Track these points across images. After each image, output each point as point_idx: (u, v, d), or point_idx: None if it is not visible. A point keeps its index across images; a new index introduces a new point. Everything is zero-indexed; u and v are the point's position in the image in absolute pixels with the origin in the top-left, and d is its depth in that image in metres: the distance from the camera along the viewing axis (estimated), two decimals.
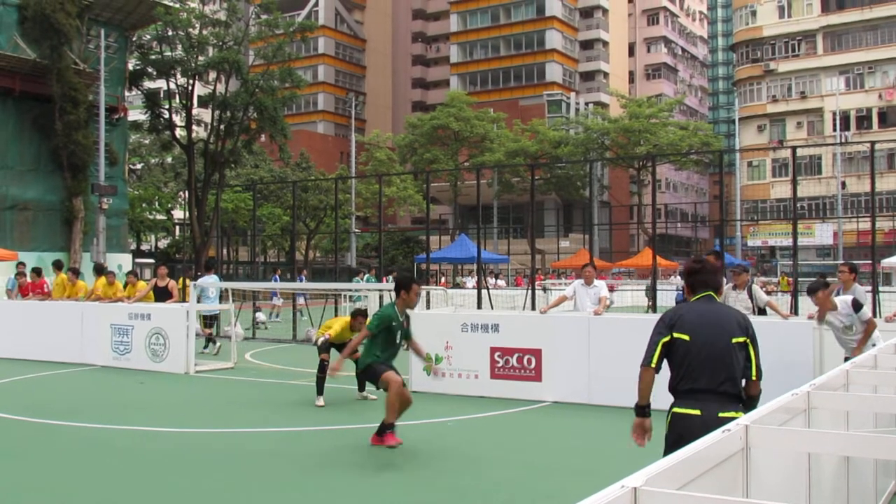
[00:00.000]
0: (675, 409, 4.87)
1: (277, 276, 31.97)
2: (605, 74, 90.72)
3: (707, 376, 4.79)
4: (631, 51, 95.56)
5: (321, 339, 11.73)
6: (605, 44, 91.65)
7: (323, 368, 11.44)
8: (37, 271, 19.94)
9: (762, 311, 11.90)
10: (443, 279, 46.54)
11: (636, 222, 65.38)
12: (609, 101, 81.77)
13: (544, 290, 27.51)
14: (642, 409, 5.00)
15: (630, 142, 63.12)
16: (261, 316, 26.12)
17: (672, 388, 4.94)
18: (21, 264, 21.06)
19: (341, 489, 7.10)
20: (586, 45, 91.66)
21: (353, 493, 6.99)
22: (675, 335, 4.91)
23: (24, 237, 33.78)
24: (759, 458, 3.57)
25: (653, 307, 22.83)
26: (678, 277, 42.01)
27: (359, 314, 11.63)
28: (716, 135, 73.01)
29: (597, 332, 11.48)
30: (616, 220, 61.83)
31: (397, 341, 8.74)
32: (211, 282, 18.07)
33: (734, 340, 4.84)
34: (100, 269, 18.76)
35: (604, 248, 57.25)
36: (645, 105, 64.01)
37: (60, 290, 18.57)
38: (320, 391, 11.48)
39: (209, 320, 18.71)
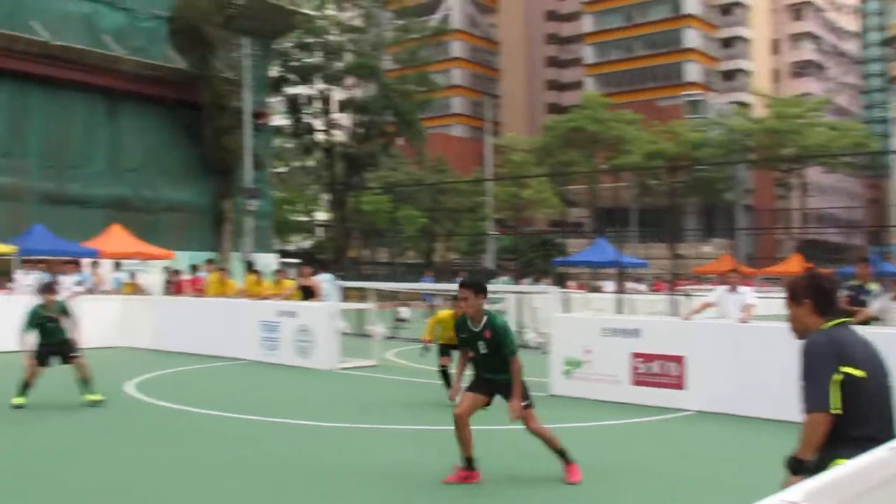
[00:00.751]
0: (842, 460, 3.56)
1: (428, 278, 32.40)
2: (748, 73, 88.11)
3: (877, 420, 3.92)
4: (775, 48, 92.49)
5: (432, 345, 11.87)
6: (747, 41, 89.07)
7: (446, 372, 11.58)
8: (193, 268, 20.90)
9: None
10: (580, 283, 46.18)
11: (783, 227, 63.19)
12: (752, 101, 79.38)
13: (686, 295, 26.96)
14: (801, 465, 3.88)
15: (775, 143, 61.08)
16: (404, 313, 26.62)
17: (835, 433, 3.88)
18: (175, 271, 22.07)
19: (479, 493, 7.16)
20: (727, 42, 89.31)
21: (491, 496, 7.04)
22: (846, 370, 3.87)
23: (178, 237, 35.39)
24: None
25: None
26: None
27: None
28: (870, 135, 69.71)
29: (743, 339, 11.18)
30: (760, 225, 60.00)
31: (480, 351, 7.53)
32: (325, 278, 18.62)
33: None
34: (250, 267, 19.51)
35: (748, 254, 55.64)
36: (792, 104, 61.82)
37: (213, 287, 19.39)
38: (449, 384, 11.51)
39: None
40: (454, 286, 15.53)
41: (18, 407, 10.81)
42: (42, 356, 11.10)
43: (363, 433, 9.73)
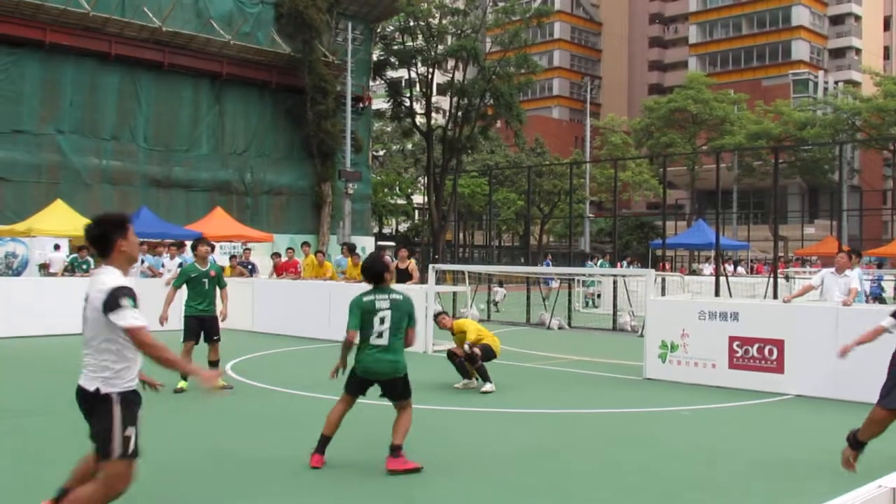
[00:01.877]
0: None
1: (549, 261, 32.37)
2: (858, 51, 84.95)
3: None
4: (886, 25, 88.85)
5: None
6: (858, 18, 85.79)
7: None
8: (291, 250, 21.32)
9: None
10: (680, 266, 45.47)
11: (890, 208, 60.90)
12: (861, 80, 76.54)
13: (787, 278, 26.27)
14: (860, 445, 4.08)
15: (885, 122, 58.81)
16: (498, 295, 26.73)
17: None
18: (304, 244, 22.55)
19: (567, 472, 7.17)
20: (836, 20, 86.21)
21: (583, 475, 7.04)
22: None
23: (278, 220, 36.21)
24: None
25: None
26: None
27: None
28: None
29: (846, 323, 10.84)
30: (868, 206, 57.99)
31: None
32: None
33: None
34: (352, 249, 19.79)
35: (853, 236, 53.85)
36: None
37: (310, 270, 19.76)
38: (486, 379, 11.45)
39: None
40: (564, 270, 15.34)
41: (180, 391, 10.53)
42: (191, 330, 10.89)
43: (477, 415, 9.81)
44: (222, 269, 11.62)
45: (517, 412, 9.89)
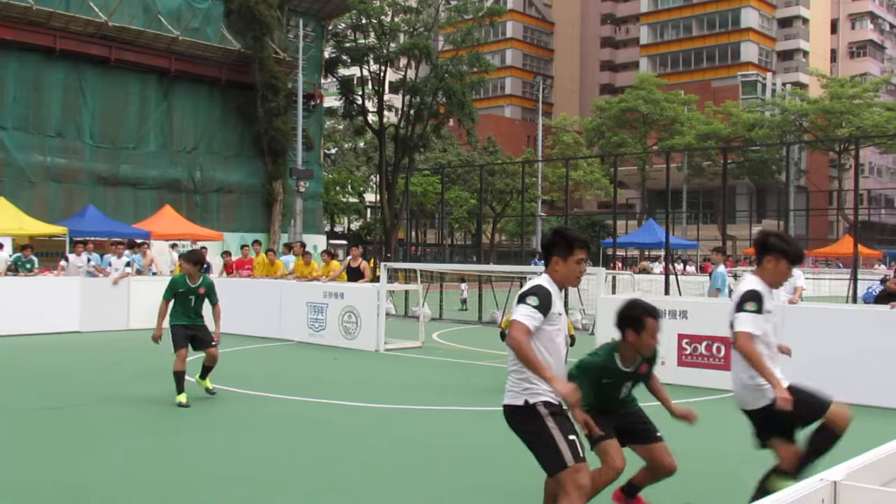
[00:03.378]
0: None
1: (537, 260, 32.12)
2: (805, 53, 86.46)
3: None
4: (833, 28, 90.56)
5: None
6: (806, 21, 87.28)
7: None
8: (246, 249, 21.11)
9: None
10: (631, 264, 45.87)
11: (836, 208, 62.07)
12: (808, 82, 77.93)
13: (735, 277, 26.60)
14: None
15: (831, 124, 59.91)
16: (464, 291, 26.81)
17: None
18: (255, 243, 22.27)
19: (512, 467, 7.16)
20: (784, 22, 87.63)
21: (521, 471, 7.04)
22: None
23: (228, 218, 35.85)
24: None
25: (853, 298, 21.68)
26: (882, 267, 39.67)
27: None
28: None
29: (792, 321, 11.00)
30: (814, 206, 58.99)
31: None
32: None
33: None
34: (302, 247, 19.64)
35: (800, 235, 54.74)
36: (848, 85, 60.55)
37: (261, 268, 19.59)
38: None
39: None
40: (515, 268, 15.26)
41: (183, 405, 9.80)
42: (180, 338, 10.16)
43: (413, 413, 9.78)
44: (212, 285, 10.77)
45: (469, 410, 9.87)
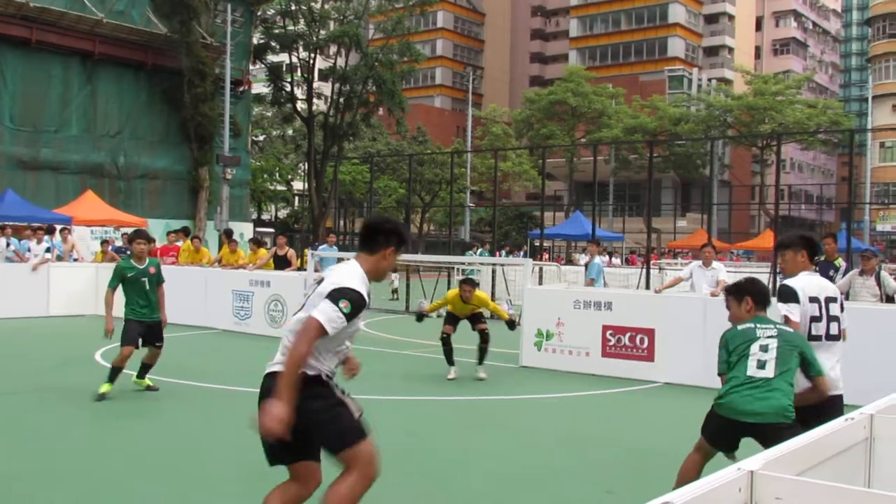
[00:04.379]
0: None
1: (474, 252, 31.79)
2: (731, 49, 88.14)
3: None
4: (758, 25, 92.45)
5: (439, 312, 11.79)
6: (731, 17, 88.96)
7: (447, 341, 11.48)
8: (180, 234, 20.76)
9: (890, 299, 11.49)
10: (557, 256, 46.31)
11: (758, 203, 63.54)
12: (733, 78, 79.50)
13: (659, 269, 27.08)
14: None
15: (754, 120, 61.32)
16: (395, 281, 26.73)
17: None
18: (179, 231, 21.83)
19: (432, 459, 7.20)
20: (711, 18, 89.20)
21: (448, 463, 7.08)
22: None
23: (153, 205, 35.16)
24: (883, 449, 3.46)
25: (774, 290, 22.21)
26: None
27: (466, 282, 11.66)
28: (846, 114, 69.94)
29: (713, 313, 11.23)
30: (736, 200, 60.38)
31: None
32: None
33: None
34: (229, 235, 19.38)
35: (722, 229, 56.06)
36: (771, 82, 61.97)
37: (186, 255, 19.29)
38: (451, 362, 11.50)
39: None
40: (444, 258, 15.30)
41: (102, 397, 9.27)
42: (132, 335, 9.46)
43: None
44: (160, 263, 10.21)
45: (387, 399, 9.87)
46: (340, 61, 49.30)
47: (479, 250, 27.61)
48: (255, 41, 45.08)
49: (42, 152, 32.19)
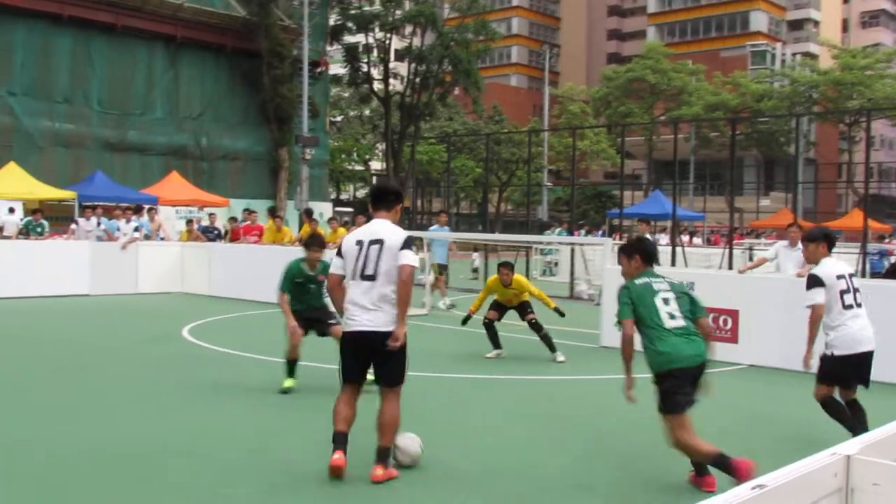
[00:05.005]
0: None
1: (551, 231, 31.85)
2: (816, 23, 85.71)
3: None
4: None
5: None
6: None
7: (489, 326, 11.51)
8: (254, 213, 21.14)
9: None
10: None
11: (845, 181, 61.76)
12: (819, 52, 77.29)
13: (750, 249, 26.60)
14: None
15: (841, 95, 59.51)
16: (476, 261, 26.80)
17: None
18: (250, 211, 22.27)
19: (528, 438, 7.22)
20: None
21: (540, 442, 7.09)
22: None
23: (235, 185, 35.85)
24: None
25: (862, 272, 21.61)
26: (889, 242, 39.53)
27: (504, 265, 11.62)
28: None
29: (799, 295, 10.99)
30: (823, 179, 58.72)
31: None
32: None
33: None
34: (309, 214, 19.67)
35: (808, 208, 54.60)
36: (860, 55, 60.03)
37: (269, 235, 19.63)
38: (496, 346, 11.58)
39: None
40: (521, 238, 15.29)
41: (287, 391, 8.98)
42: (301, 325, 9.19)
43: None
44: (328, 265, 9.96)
45: (476, 378, 9.93)
46: (416, 41, 49.39)
47: (557, 230, 27.48)
48: (331, 22, 45.41)
49: (129, 134, 33.07)
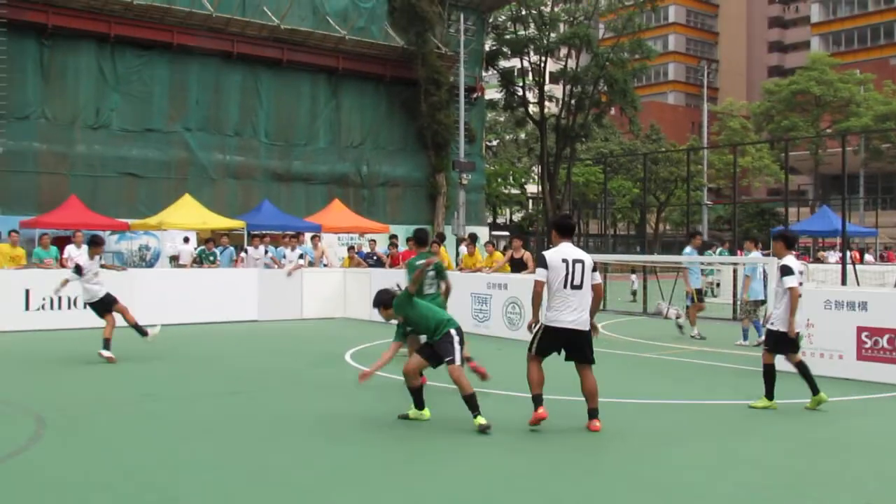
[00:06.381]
0: None
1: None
2: None
3: None
4: None
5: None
6: None
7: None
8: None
9: None
10: (804, 254, 44.12)
11: None
12: None
13: None
14: None
15: None
16: (634, 283, 26.41)
17: None
18: (394, 237, 22.87)
19: (688, 464, 7.11)
20: None
21: (703, 469, 6.97)
22: None
23: (394, 211, 36.74)
24: None
25: None
26: None
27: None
28: None
29: None
30: None
31: None
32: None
33: None
34: (474, 239, 19.89)
35: None
36: None
37: (467, 260, 19.81)
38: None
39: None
40: (681, 258, 15.19)
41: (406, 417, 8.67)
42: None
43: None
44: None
45: (639, 402, 9.83)
46: (571, 63, 49.34)
47: (719, 249, 26.80)
48: (486, 48, 45.98)
49: (293, 165, 34.46)
